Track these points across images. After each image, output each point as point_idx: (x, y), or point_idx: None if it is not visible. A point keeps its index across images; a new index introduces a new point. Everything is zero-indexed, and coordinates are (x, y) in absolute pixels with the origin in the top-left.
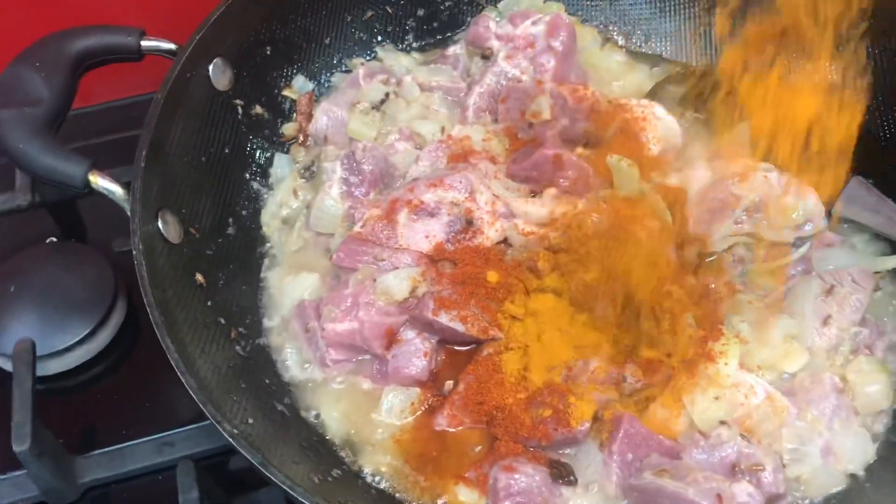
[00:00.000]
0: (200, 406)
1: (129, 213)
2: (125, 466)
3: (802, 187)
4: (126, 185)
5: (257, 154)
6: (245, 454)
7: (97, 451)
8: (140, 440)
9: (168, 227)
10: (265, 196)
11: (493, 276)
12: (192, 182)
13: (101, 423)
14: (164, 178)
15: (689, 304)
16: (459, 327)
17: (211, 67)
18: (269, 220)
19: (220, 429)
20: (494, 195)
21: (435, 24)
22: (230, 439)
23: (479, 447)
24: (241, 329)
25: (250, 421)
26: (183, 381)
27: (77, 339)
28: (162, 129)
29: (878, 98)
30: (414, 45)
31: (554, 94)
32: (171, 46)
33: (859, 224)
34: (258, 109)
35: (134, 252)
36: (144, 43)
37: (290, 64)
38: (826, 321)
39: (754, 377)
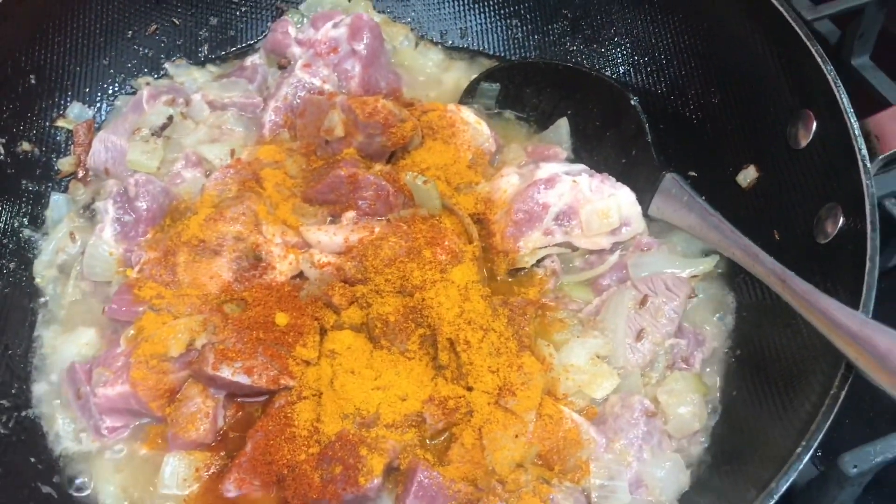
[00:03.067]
0: None
1: None
2: None
3: (617, 187)
4: None
5: (28, 197)
6: None
7: None
8: None
9: None
10: (39, 243)
11: (282, 319)
12: None
13: None
14: None
15: (490, 330)
16: (245, 380)
17: None
18: (44, 270)
19: None
20: (284, 224)
21: (231, 33)
22: None
23: None
24: (3, 402)
25: None
26: None
27: None
28: None
29: (697, 84)
30: (210, 56)
31: (344, 109)
32: None
33: None
34: (25, 146)
35: None
36: None
37: (61, 91)
38: (639, 335)
39: (560, 407)
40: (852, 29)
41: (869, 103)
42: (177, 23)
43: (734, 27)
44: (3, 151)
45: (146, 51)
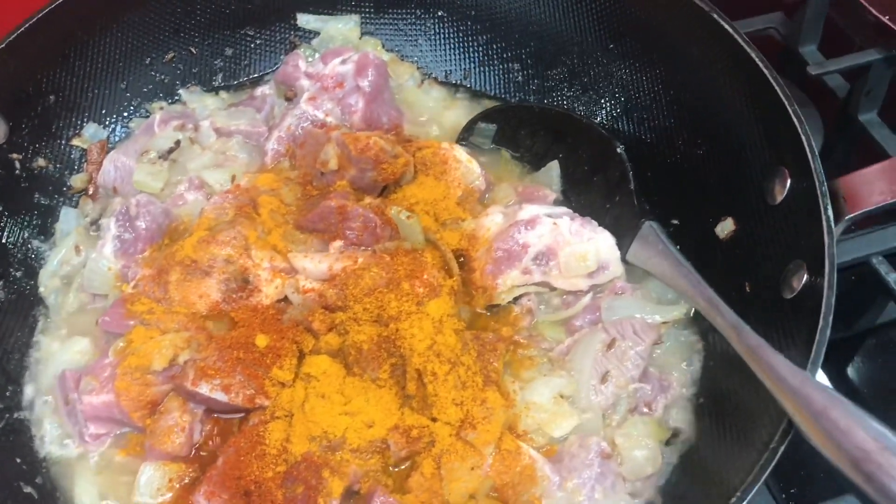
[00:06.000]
0: None
1: None
2: None
3: (598, 231)
4: None
5: (39, 210)
6: None
7: None
8: None
9: None
10: (46, 254)
11: (262, 340)
12: None
13: None
14: None
15: (459, 363)
16: (222, 397)
17: None
18: (48, 279)
19: None
20: (274, 250)
21: (245, 63)
22: None
23: None
24: None
25: None
26: None
27: None
28: None
29: (684, 135)
30: (223, 84)
31: (339, 143)
32: None
33: None
34: (41, 162)
35: None
36: None
37: (78, 112)
38: (604, 378)
39: (519, 443)
40: (860, 85)
41: (875, 160)
42: (194, 52)
43: (717, 83)
44: (18, 167)
45: (162, 77)
